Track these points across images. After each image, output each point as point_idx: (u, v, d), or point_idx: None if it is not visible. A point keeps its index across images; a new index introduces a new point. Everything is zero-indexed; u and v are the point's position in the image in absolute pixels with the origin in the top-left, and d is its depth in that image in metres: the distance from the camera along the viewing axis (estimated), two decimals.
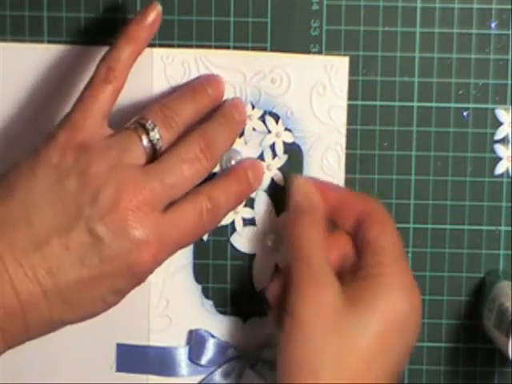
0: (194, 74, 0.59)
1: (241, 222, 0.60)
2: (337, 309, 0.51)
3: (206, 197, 0.54)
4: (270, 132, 0.59)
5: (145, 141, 0.53)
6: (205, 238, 0.60)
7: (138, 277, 0.52)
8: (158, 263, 0.52)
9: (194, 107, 0.56)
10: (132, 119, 0.54)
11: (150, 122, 0.53)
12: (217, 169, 0.59)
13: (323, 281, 0.51)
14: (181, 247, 0.54)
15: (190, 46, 0.59)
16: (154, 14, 0.54)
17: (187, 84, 0.58)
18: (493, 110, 0.59)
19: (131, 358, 0.60)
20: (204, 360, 0.60)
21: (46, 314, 0.50)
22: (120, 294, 0.52)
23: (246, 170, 0.57)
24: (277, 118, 0.59)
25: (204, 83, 0.57)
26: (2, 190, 0.51)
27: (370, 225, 0.54)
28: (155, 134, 0.53)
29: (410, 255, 0.60)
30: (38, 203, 0.50)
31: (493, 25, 0.58)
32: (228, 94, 0.59)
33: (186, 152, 0.53)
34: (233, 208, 0.57)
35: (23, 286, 0.49)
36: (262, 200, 0.59)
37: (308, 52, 0.59)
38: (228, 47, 0.59)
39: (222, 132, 0.56)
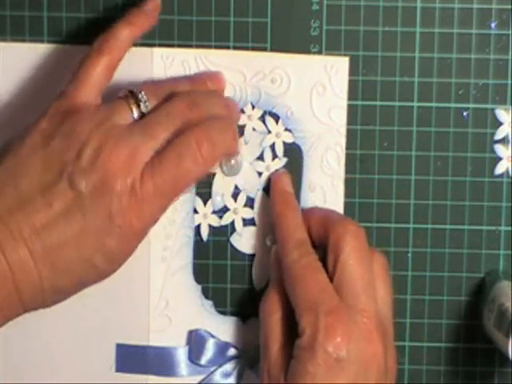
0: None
1: (241, 222, 0.60)
2: None
3: (193, 139, 0.53)
4: (269, 132, 0.59)
5: (133, 106, 0.53)
6: (204, 238, 0.60)
7: (123, 234, 0.51)
8: (145, 218, 0.51)
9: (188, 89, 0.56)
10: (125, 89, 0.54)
11: (142, 93, 0.54)
12: (217, 170, 0.59)
13: None
14: (171, 196, 0.53)
15: (190, 46, 0.59)
16: (153, 3, 0.55)
17: (187, 76, 0.58)
18: (493, 109, 0.59)
19: (131, 358, 0.60)
20: (204, 360, 0.60)
21: (36, 278, 0.50)
22: (110, 258, 0.51)
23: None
24: (277, 118, 0.59)
25: (204, 77, 0.58)
26: None
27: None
28: (142, 98, 0.53)
29: (409, 255, 0.60)
30: (23, 166, 0.51)
31: (493, 25, 0.58)
32: (228, 94, 0.59)
33: (171, 107, 0.53)
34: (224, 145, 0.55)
35: (10, 247, 0.49)
36: (261, 200, 0.59)
37: (308, 52, 0.59)
38: (228, 47, 0.59)
39: (209, 99, 0.56)
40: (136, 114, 0.53)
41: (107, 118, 0.52)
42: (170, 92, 0.55)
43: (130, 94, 0.54)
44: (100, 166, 0.50)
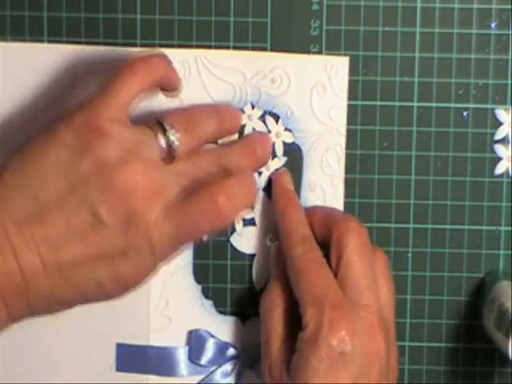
0: (193, 75, 0.59)
1: (241, 222, 0.60)
2: None
3: (222, 191, 0.53)
4: (269, 132, 0.59)
5: (161, 138, 0.53)
6: (205, 238, 0.60)
7: (137, 266, 0.52)
8: (157, 255, 0.52)
9: (216, 124, 0.56)
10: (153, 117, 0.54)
11: (168, 122, 0.53)
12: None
13: None
14: (184, 242, 0.53)
15: (190, 46, 0.59)
16: None
17: (211, 105, 0.58)
18: (493, 109, 0.59)
19: (131, 358, 0.60)
20: (204, 360, 0.60)
21: (46, 287, 0.50)
22: (121, 284, 0.52)
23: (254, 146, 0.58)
24: (277, 118, 0.59)
25: (226, 108, 0.58)
26: (15, 163, 0.51)
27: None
28: (172, 133, 0.53)
29: (409, 255, 0.60)
30: (46, 179, 0.51)
31: (493, 25, 0.58)
32: (228, 94, 0.59)
33: (199, 159, 0.54)
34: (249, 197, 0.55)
35: (24, 255, 0.49)
36: (261, 200, 0.59)
37: (308, 52, 0.59)
38: (228, 47, 0.59)
39: (241, 158, 0.56)
40: (162, 141, 0.53)
41: (136, 148, 0.52)
42: (197, 118, 0.55)
43: (156, 122, 0.53)
44: (124, 199, 0.50)
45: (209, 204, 0.52)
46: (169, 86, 0.57)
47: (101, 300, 0.53)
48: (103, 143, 0.51)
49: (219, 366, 0.60)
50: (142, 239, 0.51)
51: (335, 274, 0.54)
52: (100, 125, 0.51)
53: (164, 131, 0.53)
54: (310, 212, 0.58)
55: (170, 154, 0.53)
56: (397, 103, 0.59)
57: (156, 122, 0.53)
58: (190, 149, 0.54)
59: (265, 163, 0.58)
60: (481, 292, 0.59)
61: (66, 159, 0.51)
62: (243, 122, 0.59)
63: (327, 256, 0.55)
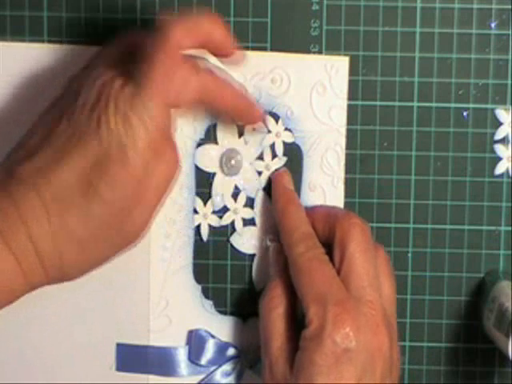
0: None
1: (241, 222, 0.60)
2: None
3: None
4: (269, 132, 0.59)
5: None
6: (204, 238, 0.60)
7: (124, 159, 0.50)
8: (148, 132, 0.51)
9: None
10: None
11: None
12: (216, 170, 0.59)
13: None
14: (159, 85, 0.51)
15: None
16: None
17: None
18: (493, 109, 0.59)
19: (131, 358, 0.60)
20: (204, 360, 0.60)
21: (47, 226, 0.49)
22: (113, 185, 0.50)
23: None
24: (277, 118, 0.59)
25: None
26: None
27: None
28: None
29: (409, 255, 0.60)
30: (35, 130, 0.53)
31: (493, 25, 0.58)
32: None
33: None
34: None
35: (21, 198, 0.49)
36: (261, 200, 0.59)
37: (308, 52, 0.59)
38: None
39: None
40: None
41: (108, 71, 0.52)
42: None
43: None
44: (96, 97, 0.51)
45: (160, 39, 0.50)
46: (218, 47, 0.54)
47: (101, 215, 0.51)
48: (83, 74, 0.54)
49: (219, 365, 0.60)
50: (121, 126, 0.50)
51: (338, 271, 0.54)
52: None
53: None
54: (312, 210, 0.58)
55: None
56: (397, 103, 0.59)
57: None
58: None
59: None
60: (481, 292, 0.59)
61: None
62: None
63: (329, 254, 0.55)
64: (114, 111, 0.50)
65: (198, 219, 0.60)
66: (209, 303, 0.60)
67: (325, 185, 0.59)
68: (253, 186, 0.60)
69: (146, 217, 0.52)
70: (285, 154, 0.59)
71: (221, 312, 0.60)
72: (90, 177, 0.50)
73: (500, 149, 0.59)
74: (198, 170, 0.59)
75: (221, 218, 0.60)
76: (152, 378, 0.61)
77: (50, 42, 0.59)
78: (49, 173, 0.50)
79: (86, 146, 0.50)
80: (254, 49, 0.59)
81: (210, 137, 0.59)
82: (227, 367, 0.60)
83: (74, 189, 0.50)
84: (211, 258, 0.60)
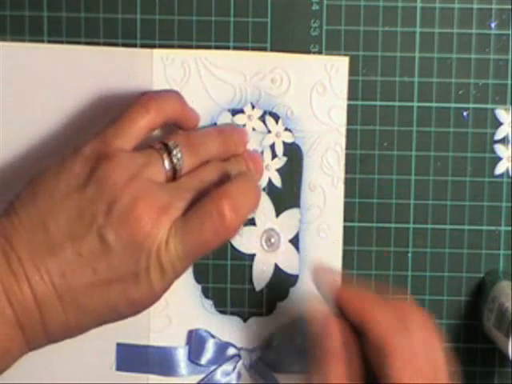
0: (193, 75, 0.59)
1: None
2: None
3: (225, 198, 0.52)
4: (269, 132, 0.59)
5: (166, 160, 0.53)
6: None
7: (147, 289, 0.51)
8: (167, 277, 0.51)
9: (218, 144, 0.56)
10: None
11: (172, 142, 0.54)
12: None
13: None
14: (193, 259, 0.52)
15: (190, 46, 0.59)
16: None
17: (215, 128, 0.59)
18: (493, 110, 0.59)
19: (131, 357, 0.60)
20: (204, 360, 0.60)
21: (63, 318, 0.51)
22: (134, 307, 0.52)
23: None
24: (277, 118, 0.59)
25: (230, 130, 0.58)
26: (26, 196, 0.52)
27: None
28: (177, 154, 0.53)
29: (409, 255, 0.60)
30: (56, 210, 0.51)
31: (493, 25, 0.58)
32: (228, 94, 0.59)
33: (204, 174, 0.54)
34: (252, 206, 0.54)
35: (39, 287, 0.50)
36: (261, 200, 0.59)
37: (308, 52, 0.59)
38: (228, 47, 0.59)
39: (238, 164, 0.57)
40: (167, 162, 0.53)
41: (141, 171, 0.52)
42: (200, 139, 0.55)
43: (162, 144, 0.53)
44: (131, 223, 0.50)
45: (213, 211, 0.51)
46: (184, 124, 0.57)
47: (118, 320, 0.53)
48: (108, 167, 0.51)
49: (219, 365, 0.60)
50: (152, 261, 0.51)
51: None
52: (107, 152, 0.52)
53: (169, 152, 0.53)
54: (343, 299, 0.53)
55: (174, 175, 0.53)
56: (397, 103, 0.59)
57: (161, 143, 0.54)
58: (194, 167, 0.54)
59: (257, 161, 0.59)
60: (481, 292, 0.59)
61: (74, 187, 0.51)
62: (243, 122, 0.59)
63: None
64: (147, 254, 0.50)
65: None
66: (209, 303, 0.60)
67: (325, 185, 0.59)
68: None
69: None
70: (285, 154, 0.59)
71: (221, 312, 0.60)
72: (110, 293, 0.51)
73: (500, 149, 0.59)
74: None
75: None
76: (152, 377, 0.61)
77: (50, 42, 0.59)
78: (71, 278, 0.50)
79: (114, 270, 0.50)
80: (253, 49, 0.59)
81: None
82: (227, 367, 0.60)
83: (92, 298, 0.51)
84: (211, 258, 0.60)
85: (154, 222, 0.50)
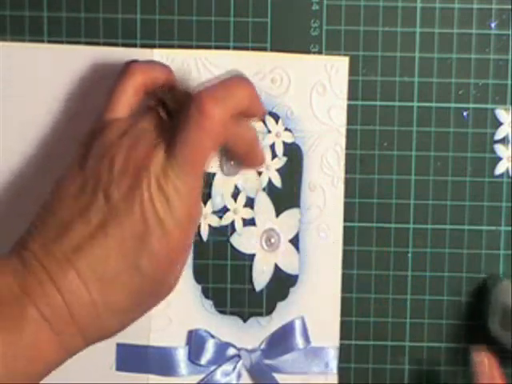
0: (193, 75, 0.59)
1: (241, 222, 0.60)
2: None
3: (204, 94, 0.50)
4: (269, 132, 0.59)
5: (162, 113, 0.52)
6: (204, 238, 0.60)
7: (163, 232, 0.50)
8: (177, 208, 0.50)
9: None
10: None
11: (161, 92, 0.53)
12: (217, 170, 0.59)
13: None
14: (197, 174, 0.50)
15: (190, 46, 0.59)
16: None
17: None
18: (493, 110, 0.59)
19: (131, 357, 0.60)
20: (204, 360, 0.60)
21: (87, 299, 0.49)
22: (155, 260, 0.50)
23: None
24: (277, 118, 0.59)
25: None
26: (42, 205, 0.52)
27: None
28: (167, 95, 0.52)
29: (409, 255, 0.60)
30: (62, 194, 0.51)
31: (493, 25, 0.58)
32: None
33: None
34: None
35: (59, 275, 0.49)
36: (261, 200, 0.59)
37: (308, 52, 0.59)
38: (228, 47, 0.59)
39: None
40: (164, 115, 0.52)
41: (134, 124, 0.51)
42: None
43: (158, 100, 0.53)
44: (130, 171, 0.49)
45: (194, 111, 0.49)
46: (173, 89, 0.54)
47: (148, 291, 0.51)
48: (103, 136, 0.51)
49: (219, 365, 0.60)
50: (155, 195, 0.49)
51: None
52: (101, 126, 0.52)
53: (164, 106, 0.52)
54: None
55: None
56: (397, 103, 0.59)
57: (157, 99, 0.53)
58: None
59: None
60: (481, 292, 0.59)
61: (76, 169, 0.51)
62: None
63: None
64: (147, 186, 0.49)
65: None
66: (209, 303, 0.60)
67: (325, 185, 0.59)
68: (253, 186, 0.60)
69: (179, 275, 0.52)
70: (285, 154, 0.59)
71: (221, 312, 0.60)
72: (129, 252, 0.49)
73: (500, 149, 0.59)
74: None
75: (221, 218, 0.60)
76: (152, 377, 0.61)
77: (49, 42, 0.59)
78: (86, 249, 0.49)
79: (124, 223, 0.49)
80: (253, 49, 0.59)
81: None
82: (227, 367, 0.60)
83: (113, 264, 0.49)
84: (211, 258, 0.60)
85: (148, 156, 0.49)
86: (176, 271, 0.51)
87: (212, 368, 0.60)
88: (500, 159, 0.59)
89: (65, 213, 0.50)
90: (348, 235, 0.60)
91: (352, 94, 0.59)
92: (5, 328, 0.48)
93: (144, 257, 0.49)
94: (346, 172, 0.59)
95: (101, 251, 0.49)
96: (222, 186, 0.59)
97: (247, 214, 0.60)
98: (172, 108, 0.52)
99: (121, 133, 0.51)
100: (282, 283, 0.60)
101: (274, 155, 0.59)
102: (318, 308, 0.60)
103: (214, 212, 0.60)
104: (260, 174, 0.59)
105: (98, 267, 0.49)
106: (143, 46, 0.59)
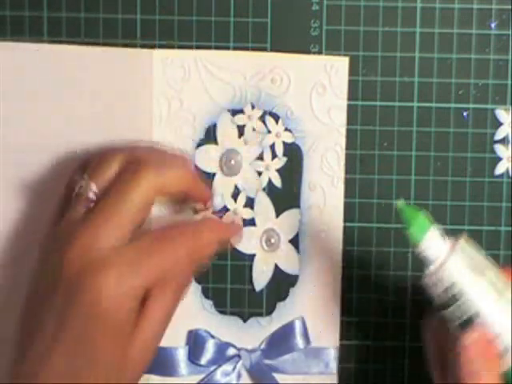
0: (193, 75, 0.59)
1: (241, 222, 0.60)
2: None
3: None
4: (269, 132, 0.59)
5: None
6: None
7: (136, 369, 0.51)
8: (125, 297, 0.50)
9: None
10: None
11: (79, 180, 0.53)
12: (216, 170, 0.59)
13: None
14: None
15: (190, 47, 0.59)
16: None
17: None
18: (493, 110, 0.59)
19: None
20: (204, 360, 0.60)
21: None
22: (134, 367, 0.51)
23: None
24: (277, 118, 0.59)
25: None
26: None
27: None
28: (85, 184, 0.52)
29: (409, 255, 0.60)
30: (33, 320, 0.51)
31: (493, 25, 0.58)
32: (228, 94, 0.59)
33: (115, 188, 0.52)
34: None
35: None
36: (261, 200, 0.59)
37: (308, 52, 0.59)
38: (228, 47, 0.59)
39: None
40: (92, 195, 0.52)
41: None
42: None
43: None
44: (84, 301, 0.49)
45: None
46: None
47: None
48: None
49: (219, 365, 0.60)
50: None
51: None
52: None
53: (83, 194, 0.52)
54: None
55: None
56: (397, 103, 0.59)
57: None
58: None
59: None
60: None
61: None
62: (243, 123, 0.59)
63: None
64: None
65: (198, 219, 0.60)
66: (209, 303, 0.60)
67: (325, 185, 0.59)
68: (253, 186, 0.60)
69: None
70: (285, 154, 0.59)
71: (221, 312, 0.60)
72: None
73: (500, 149, 0.59)
74: (198, 170, 0.59)
75: (221, 218, 0.60)
76: (152, 377, 0.61)
77: (49, 42, 0.59)
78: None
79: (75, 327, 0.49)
80: (253, 49, 0.59)
81: (209, 137, 0.59)
82: (227, 367, 0.60)
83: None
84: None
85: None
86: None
87: (212, 368, 0.60)
88: (500, 159, 0.59)
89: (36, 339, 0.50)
90: (348, 235, 0.60)
91: (352, 94, 0.59)
92: None
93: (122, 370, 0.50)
94: (346, 172, 0.59)
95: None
96: (222, 186, 0.59)
97: (247, 214, 0.60)
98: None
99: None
100: (282, 283, 0.60)
101: (274, 155, 0.59)
102: (317, 308, 0.60)
103: (214, 212, 0.60)
104: (260, 174, 0.59)
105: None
106: (143, 46, 0.59)
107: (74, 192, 0.52)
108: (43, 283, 0.50)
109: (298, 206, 0.60)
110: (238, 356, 0.60)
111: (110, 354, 0.49)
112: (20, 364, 0.50)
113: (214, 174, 0.59)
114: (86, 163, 0.54)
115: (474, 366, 0.48)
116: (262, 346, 0.60)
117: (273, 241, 0.60)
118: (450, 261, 0.49)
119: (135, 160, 0.52)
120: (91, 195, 0.51)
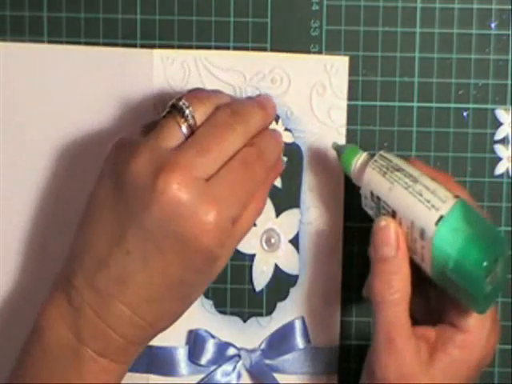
0: (193, 75, 0.59)
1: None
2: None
3: (248, 145, 0.52)
4: None
5: (183, 127, 0.51)
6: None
7: (205, 251, 0.50)
8: (221, 230, 0.50)
9: (226, 98, 0.55)
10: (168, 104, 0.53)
11: (186, 105, 0.52)
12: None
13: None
14: (241, 204, 0.52)
15: (190, 47, 0.59)
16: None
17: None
18: (493, 110, 0.59)
19: None
20: (204, 360, 0.60)
21: (142, 324, 0.51)
22: (201, 275, 0.51)
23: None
24: (277, 118, 0.59)
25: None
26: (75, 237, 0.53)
27: None
28: (193, 118, 0.52)
29: None
30: (95, 225, 0.51)
31: (493, 25, 0.58)
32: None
33: (215, 118, 0.52)
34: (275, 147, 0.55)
35: (104, 309, 0.50)
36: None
37: (308, 52, 0.59)
38: (228, 47, 0.59)
39: (251, 107, 0.54)
40: (185, 130, 0.51)
41: (157, 145, 0.50)
42: (211, 101, 0.53)
43: (174, 108, 0.52)
44: (160, 196, 0.49)
45: (241, 174, 0.51)
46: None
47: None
48: (126, 160, 0.50)
49: (219, 365, 0.60)
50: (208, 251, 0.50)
51: None
52: (119, 143, 0.52)
53: (184, 116, 0.51)
54: None
55: (190, 130, 0.52)
56: (397, 103, 0.59)
57: (173, 107, 0.52)
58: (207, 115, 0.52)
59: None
60: None
61: (103, 197, 0.51)
62: None
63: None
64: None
65: None
66: (209, 303, 0.60)
67: (325, 185, 0.59)
68: None
69: (226, 260, 0.53)
70: (285, 154, 0.59)
71: (221, 312, 0.61)
72: (171, 271, 0.50)
73: (500, 149, 0.59)
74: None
75: None
76: (152, 377, 0.61)
77: (49, 42, 0.59)
78: (128, 280, 0.50)
79: (163, 246, 0.49)
80: (253, 49, 0.59)
81: None
82: (227, 367, 0.60)
83: (156, 287, 0.50)
84: None
85: (182, 185, 0.49)
86: (222, 262, 0.52)
87: (212, 368, 0.60)
88: (500, 159, 0.59)
89: (100, 243, 0.50)
90: (348, 235, 0.60)
91: (352, 94, 0.59)
92: (66, 377, 0.50)
93: (188, 271, 0.50)
94: None
95: (143, 278, 0.50)
96: None
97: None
98: (190, 117, 0.52)
99: (145, 157, 0.50)
100: (282, 283, 0.60)
101: None
102: (317, 308, 0.60)
103: None
104: None
105: (143, 292, 0.50)
106: (143, 46, 0.59)
107: (172, 117, 0.52)
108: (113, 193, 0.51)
109: (298, 205, 0.60)
110: (238, 356, 0.60)
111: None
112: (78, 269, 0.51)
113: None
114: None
115: (384, 250, 0.52)
116: (262, 346, 0.60)
117: (273, 241, 0.60)
118: (365, 173, 0.53)
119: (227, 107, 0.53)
120: (191, 122, 0.52)
